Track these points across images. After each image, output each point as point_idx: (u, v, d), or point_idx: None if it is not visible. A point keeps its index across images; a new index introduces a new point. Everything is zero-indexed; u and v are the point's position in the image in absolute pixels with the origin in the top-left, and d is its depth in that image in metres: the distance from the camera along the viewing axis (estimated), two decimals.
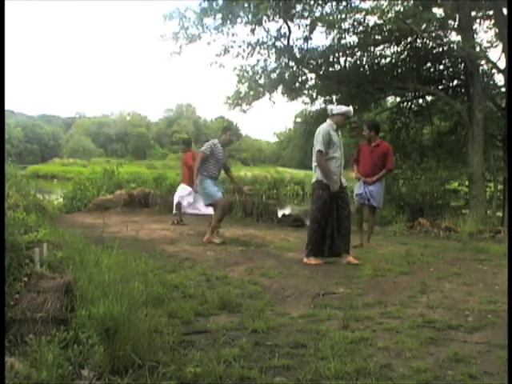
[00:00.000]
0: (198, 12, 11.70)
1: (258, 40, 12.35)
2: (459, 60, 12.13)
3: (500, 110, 12.37)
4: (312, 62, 12.65)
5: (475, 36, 11.94)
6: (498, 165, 11.93)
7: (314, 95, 13.89)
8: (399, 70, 12.93)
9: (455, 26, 11.81)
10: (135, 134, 67.53)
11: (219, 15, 11.66)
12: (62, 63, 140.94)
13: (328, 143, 5.49)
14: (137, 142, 66.79)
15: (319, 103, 14.37)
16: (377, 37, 11.87)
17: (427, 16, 10.72)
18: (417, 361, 2.85)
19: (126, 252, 4.93)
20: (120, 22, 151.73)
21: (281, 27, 12.13)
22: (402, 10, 11.05)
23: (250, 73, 12.81)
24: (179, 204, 8.76)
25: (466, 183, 12.43)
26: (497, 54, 42.39)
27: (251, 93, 13.01)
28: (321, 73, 12.89)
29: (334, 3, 11.89)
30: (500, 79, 12.52)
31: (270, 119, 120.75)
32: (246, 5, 11.19)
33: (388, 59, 13.21)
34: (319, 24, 11.52)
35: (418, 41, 12.54)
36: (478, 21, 12.56)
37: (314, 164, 5.63)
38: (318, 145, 5.50)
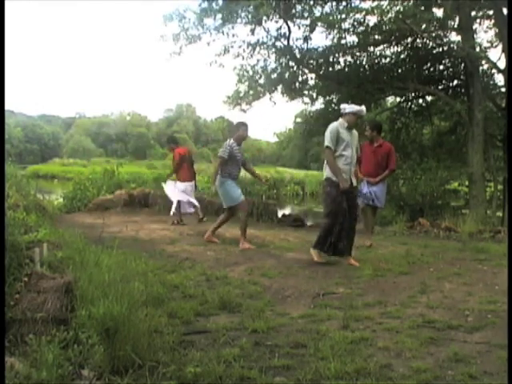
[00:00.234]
0: (197, 12, 11.70)
1: (258, 40, 12.37)
2: (459, 60, 12.13)
3: (500, 110, 12.37)
4: (312, 62, 12.65)
5: (475, 36, 11.96)
6: (497, 165, 11.94)
7: (314, 95, 13.89)
8: (399, 70, 12.93)
9: (455, 26, 11.81)
10: (135, 133, 67.55)
11: (219, 15, 11.65)
12: (61, 63, 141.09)
13: (336, 140, 5.46)
14: (137, 141, 66.82)
15: (319, 103, 14.41)
16: (377, 37, 11.86)
17: (427, 16, 10.72)
18: (417, 361, 2.85)
19: (126, 252, 4.94)
20: (120, 22, 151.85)
21: (281, 27, 12.14)
22: (401, 9, 11.05)
23: (250, 72, 12.82)
24: (179, 203, 8.79)
25: (466, 183, 12.44)
26: (497, 54, 42.42)
27: (251, 92, 13.01)
28: (321, 73, 12.89)
29: (334, 3, 11.89)
30: (500, 79, 12.54)
31: (270, 119, 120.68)
32: (246, 5, 11.19)
33: (388, 59, 13.21)
34: (319, 24, 11.52)
35: (418, 41, 12.54)
36: (478, 21, 12.57)
37: (324, 162, 5.62)
38: (326, 141, 5.51)
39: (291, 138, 57.54)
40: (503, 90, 12.07)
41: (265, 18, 11.49)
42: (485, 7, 11.86)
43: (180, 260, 5.63)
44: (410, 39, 12.48)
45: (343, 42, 12.19)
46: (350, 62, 12.97)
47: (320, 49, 12.52)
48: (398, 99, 14.99)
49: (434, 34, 11.66)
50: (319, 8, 11.95)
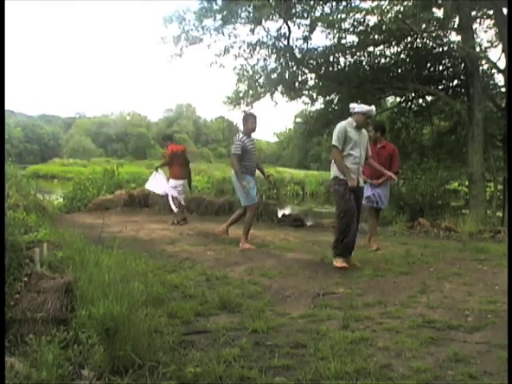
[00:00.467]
0: (197, 13, 11.69)
1: (258, 40, 12.37)
2: (459, 60, 12.14)
3: (500, 110, 12.37)
4: (312, 62, 12.65)
5: (475, 36, 11.96)
6: (498, 165, 11.93)
7: (314, 95, 13.91)
8: (399, 70, 12.93)
9: (455, 26, 11.81)
10: (135, 133, 67.54)
11: (219, 16, 11.65)
12: (62, 63, 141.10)
13: (344, 139, 5.40)
14: (137, 141, 66.81)
15: (319, 103, 14.42)
16: (377, 37, 11.86)
17: (427, 16, 10.73)
18: (417, 361, 2.85)
19: (126, 252, 4.93)
20: (120, 22, 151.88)
21: (281, 27, 12.15)
22: (401, 9, 11.05)
23: (250, 72, 12.82)
24: (176, 200, 8.84)
25: (466, 183, 12.43)
26: (497, 54, 42.43)
27: (251, 92, 13.01)
28: (321, 73, 12.89)
29: (334, 3, 11.89)
30: (500, 79, 12.54)
31: (270, 119, 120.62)
32: (246, 5, 11.19)
33: (388, 59, 13.21)
34: (319, 24, 11.52)
35: (418, 41, 12.54)
36: (478, 20, 12.57)
37: (332, 161, 5.55)
38: (333, 140, 5.45)
39: (291, 137, 57.57)
40: (503, 89, 12.08)
41: (265, 17, 11.49)
42: (485, 7, 11.86)
43: (180, 260, 5.63)
44: (409, 39, 12.48)
45: (343, 42, 12.20)
46: (350, 62, 12.98)
47: (320, 49, 12.54)
48: (398, 99, 15.00)
49: (433, 34, 11.66)
50: (319, 8, 11.95)
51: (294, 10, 11.73)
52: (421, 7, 10.75)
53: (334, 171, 5.49)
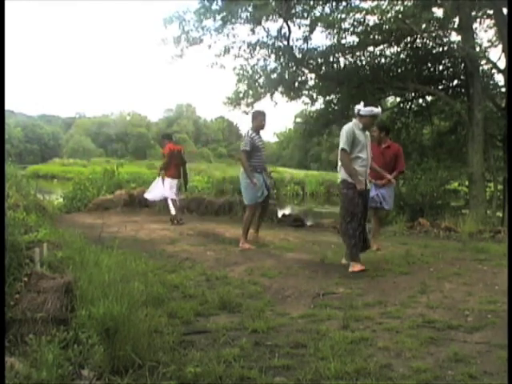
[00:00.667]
0: (197, 13, 11.68)
1: (258, 40, 12.37)
2: (459, 60, 12.13)
3: (500, 110, 12.37)
4: (312, 62, 12.65)
5: (475, 36, 11.96)
6: (498, 165, 11.93)
7: (314, 95, 13.90)
8: (399, 70, 12.92)
9: (455, 26, 11.81)
10: (135, 133, 67.54)
11: (219, 16, 11.65)
12: (62, 63, 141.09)
13: (352, 142, 5.28)
14: (137, 142, 66.82)
15: (319, 103, 14.41)
16: (376, 37, 11.86)
17: (427, 16, 10.73)
18: (417, 361, 2.85)
19: (126, 252, 4.93)
20: (120, 23, 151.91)
21: (281, 27, 12.14)
22: (401, 9, 11.05)
23: (250, 72, 12.82)
24: (172, 201, 8.87)
25: (466, 183, 12.43)
26: (497, 54, 42.40)
27: (251, 92, 13.00)
28: (321, 73, 12.89)
29: (334, 3, 11.89)
30: (500, 79, 12.54)
31: (270, 119, 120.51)
32: (246, 5, 11.19)
33: (388, 59, 13.20)
34: (319, 24, 11.52)
35: (418, 41, 12.54)
36: (478, 20, 12.57)
37: (339, 164, 5.42)
38: (341, 143, 5.31)
39: (291, 138, 57.58)
40: (503, 89, 12.07)
41: (265, 17, 11.49)
42: (485, 7, 11.86)
43: (180, 260, 5.63)
44: (409, 39, 12.48)
45: (343, 42, 12.19)
46: (349, 62, 12.97)
47: (320, 49, 12.53)
48: (398, 99, 15.00)
49: (433, 34, 11.66)
50: (319, 8, 11.96)
51: (293, 10, 11.73)
52: (421, 7, 10.75)
53: (341, 174, 5.35)
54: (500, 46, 11.94)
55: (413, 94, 13.87)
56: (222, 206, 10.52)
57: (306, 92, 13.77)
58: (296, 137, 48.85)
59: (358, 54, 12.83)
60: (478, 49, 11.39)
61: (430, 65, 13.07)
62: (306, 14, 11.77)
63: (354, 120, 5.46)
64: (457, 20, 11.71)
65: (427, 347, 3.08)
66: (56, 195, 12.60)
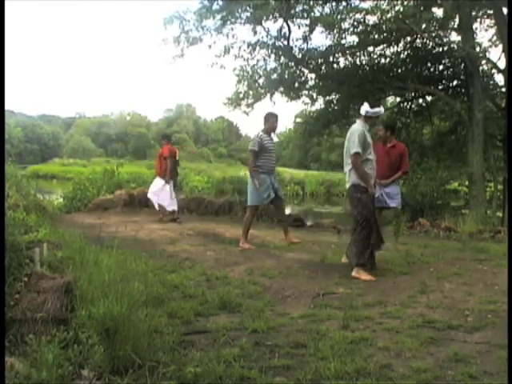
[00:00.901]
0: (197, 14, 11.69)
1: (258, 40, 12.36)
2: (459, 60, 12.12)
3: (500, 110, 12.36)
4: (312, 62, 12.64)
5: (475, 36, 11.95)
6: (498, 165, 11.92)
7: (314, 95, 13.88)
8: (399, 70, 12.92)
9: (455, 26, 11.81)
10: (135, 133, 67.52)
11: (219, 16, 11.65)
12: (62, 63, 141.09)
13: (364, 144, 5.14)
14: (137, 142, 66.78)
15: (319, 103, 14.41)
16: (376, 37, 11.85)
17: (427, 16, 10.72)
18: (417, 361, 2.86)
19: (126, 252, 4.94)
20: (120, 23, 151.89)
21: (281, 27, 12.14)
22: (401, 9, 11.04)
23: (250, 73, 12.81)
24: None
25: (466, 183, 12.42)
26: (497, 54, 42.44)
27: (251, 93, 13.00)
28: (321, 73, 12.88)
29: (334, 3, 11.89)
30: (500, 79, 12.52)
31: None
32: (246, 5, 11.18)
33: (388, 59, 13.19)
34: (319, 24, 11.52)
35: (418, 41, 12.53)
36: (478, 20, 12.56)
37: (348, 167, 5.19)
38: (354, 146, 5.09)
39: (291, 138, 57.54)
40: (503, 89, 12.06)
41: (264, 17, 11.49)
42: (485, 7, 11.86)
43: (180, 260, 5.63)
44: (409, 39, 12.47)
45: (343, 42, 12.18)
46: (350, 62, 12.96)
47: (320, 49, 12.51)
48: (398, 99, 14.99)
49: (433, 34, 11.65)
50: (319, 8, 11.95)
51: (293, 10, 11.72)
52: (421, 7, 10.75)
53: (353, 178, 5.17)
54: (500, 46, 11.94)
55: (413, 94, 13.86)
56: (222, 205, 10.53)
57: (306, 92, 13.76)
58: (296, 137, 48.83)
59: (357, 54, 12.82)
60: (478, 49, 11.36)
61: (429, 65, 13.06)
62: (305, 14, 11.76)
63: (359, 121, 5.30)
64: (457, 20, 11.71)
65: (427, 347, 3.08)
66: (56, 195, 12.60)
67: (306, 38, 12.36)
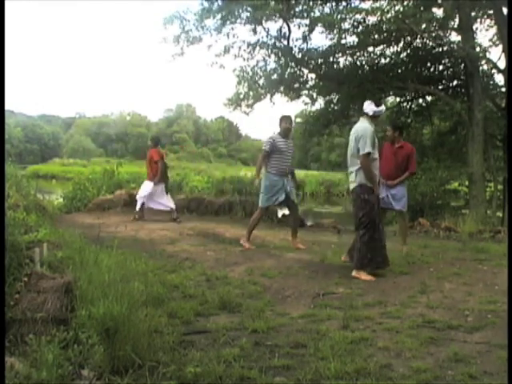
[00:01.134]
0: (198, 13, 11.69)
1: (258, 40, 12.36)
2: (459, 60, 12.12)
3: (500, 110, 12.36)
4: (312, 62, 12.64)
5: (475, 36, 11.95)
6: (498, 165, 11.92)
7: (314, 95, 13.89)
8: (399, 70, 12.91)
9: (455, 25, 11.81)
10: (135, 133, 67.52)
11: (219, 16, 11.65)
12: (62, 63, 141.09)
13: (373, 144, 5.03)
14: (137, 141, 66.75)
15: (319, 103, 14.40)
16: (376, 37, 11.85)
17: (427, 16, 10.71)
18: (417, 361, 2.86)
19: (126, 252, 4.94)
20: (120, 23, 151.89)
21: (281, 27, 12.14)
22: (401, 10, 11.03)
23: (250, 73, 12.82)
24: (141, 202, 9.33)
25: (466, 183, 12.41)
26: (497, 54, 42.44)
27: (251, 94, 13.00)
28: (321, 73, 12.88)
29: (334, 3, 11.89)
30: (500, 79, 12.52)
31: (270, 119, 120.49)
32: (246, 5, 11.19)
33: (388, 59, 13.19)
34: (319, 24, 11.51)
35: (418, 41, 12.53)
36: (478, 20, 12.56)
37: (356, 167, 5.11)
38: (366, 146, 4.98)
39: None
40: (503, 89, 12.06)
41: (265, 18, 11.49)
42: (485, 7, 11.85)
43: (180, 260, 5.63)
44: (409, 39, 12.47)
45: (343, 42, 12.18)
46: (350, 61, 12.96)
47: (320, 49, 12.51)
48: (398, 99, 14.98)
49: (433, 34, 11.64)
50: (319, 8, 11.95)
51: (293, 11, 11.72)
52: (421, 7, 10.74)
53: (360, 179, 5.09)
54: (500, 46, 11.93)
55: (413, 94, 13.86)
56: (222, 205, 10.53)
57: (306, 92, 13.76)
58: (296, 137, 48.72)
59: (357, 54, 12.82)
60: (478, 49, 11.36)
61: (429, 65, 13.05)
62: (305, 14, 11.76)
63: (365, 120, 5.21)
64: (457, 20, 11.71)
65: (427, 347, 3.08)
66: (56, 195, 12.60)
67: (305, 38, 12.36)
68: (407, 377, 2.65)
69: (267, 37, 12.36)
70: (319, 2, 11.85)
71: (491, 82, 12.64)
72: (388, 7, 11.17)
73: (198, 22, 11.75)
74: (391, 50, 13.05)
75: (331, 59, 12.65)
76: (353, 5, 11.75)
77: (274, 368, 2.75)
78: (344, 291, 4.47)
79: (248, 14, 11.55)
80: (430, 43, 12.23)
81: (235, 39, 12.18)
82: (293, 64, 12.82)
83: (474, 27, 12.15)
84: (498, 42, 12.60)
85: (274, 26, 12.70)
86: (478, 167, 11.03)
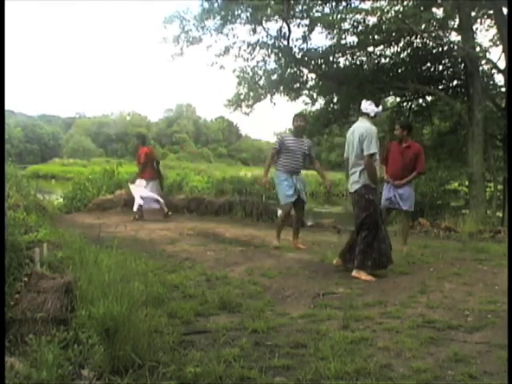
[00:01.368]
0: (198, 13, 11.71)
1: (258, 40, 12.37)
2: (459, 60, 12.13)
3: (500, 110, 12.36)
4: (312, 62, 12.64)
5: (475, 36, 11.95)
6: (498, 165, 11.92)
7: (315, 95, 13.89)
8: (399, 70, 12.92)
9: (455, 25, 11.81)
10: (135, 134, 67.45)
11: (219, 16, 11.66)
12: (62, 63, 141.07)
13: (377, 144, 5.03)
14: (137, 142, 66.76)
15: (319, 103, 14.41)
16: (376, 37, 11.86)
17: (427, 16, 10.72)
18: (417, 361, 2.86)
19: (126, 252, 4.93)
20: (120, 22, 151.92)
21: (281, 27, 12.14)
22: (401, 10, 11.04)
23: (250, 73, 12.82)
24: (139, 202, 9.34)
25: (466, 183, 12.42)
26: (497, 54, 42.42)
27: (251, 94, 13.01)
28: (321, 73, 12.89)
29: (334, 3, 11.89)
30: (500, 79, 12.52)
31: (270, 119, 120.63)
32: (246, 6, 11.19)
33: (388, 59, 13.20)
34: (319, 24, 11.52)
35: (418, 41, 12.53)
36: (478, 20, 12.56)
37: (360, 167, 5.07)
38: (372, 147, 4.94)
39: None
40: (503, 89, 12.06)
41: (265, 18, 11.50)
42: (485, 7, 11.86)
43: (180, 260, 5.63)
44: (409, 39, 12.47)
45: (343, 42, 12.18)
46: (349, 62, 12.96)
47: (320, 49, 12.52)
48: (398, 99, 14.98)
49: (433, 34, 11.65)
50: (319, 8, 11.95)
51: (292, 11, 11.72)
52: (421, 7, 10.74)
53: (364, 179, 5.06)
54: (500, 46, 11.93)
55: (413, 94, 13.86)
56: (222, 205, 10.53)
57: (306, 92, 13.77)
58: None
59: (358, 54, 12.82)
60: (478, 49, 11.37)
61: (430, 65, 13.06)
62: (305, 14, 11.77)
63: (366, 120, 5.16)
64: (457, 20, 11.71)
65: (427, 347, 3.08)
66: (56, 195, 12.60)
67: (305, 38, 12.37)
68: (407, 377, 2.65)
69: (267, 37, 12.39)
70: (319, 2, 11.86)
71: (491, 82, 12.65)
72: (388, 7, 11.19)
73: (197, 22, 11.77)
74: (391, 50, 13.07)
75: (331, 59, 12.66)
76: (353, 5, 11.77)
77: (274, 368, 2.75)
78: (344, 291, 4.47)
79: (248, 14, 11.56)
80: (430, 43, 12.24)
81: (235, 39, 12.22)
82: (293, 64, 12.82)
83: (474, 27, 12.16)
84: (498, 42, 12.60)
85: (273, 26, 12.73)
86: (478, 167, 11.03)
